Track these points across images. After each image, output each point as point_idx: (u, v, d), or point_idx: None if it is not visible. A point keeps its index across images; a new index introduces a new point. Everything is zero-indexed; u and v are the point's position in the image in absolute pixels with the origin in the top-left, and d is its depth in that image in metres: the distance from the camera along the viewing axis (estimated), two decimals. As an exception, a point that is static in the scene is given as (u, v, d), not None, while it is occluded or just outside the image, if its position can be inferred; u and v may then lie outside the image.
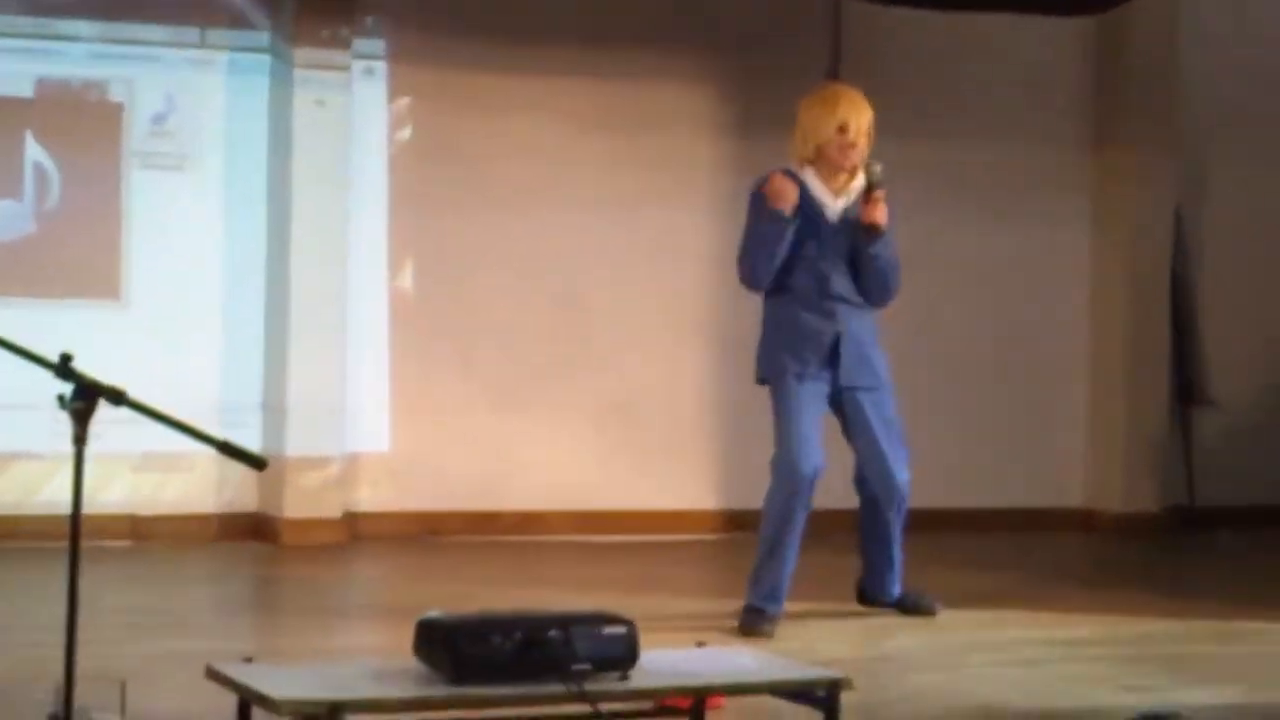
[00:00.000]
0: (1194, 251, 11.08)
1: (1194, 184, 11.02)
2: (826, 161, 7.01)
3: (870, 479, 7.15)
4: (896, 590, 7.33)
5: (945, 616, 7.27)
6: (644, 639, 4.58)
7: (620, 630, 4.53)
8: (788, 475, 6.91)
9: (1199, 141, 10.96)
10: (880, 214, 6.97)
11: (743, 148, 9.87)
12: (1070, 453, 10.88)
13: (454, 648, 4.40)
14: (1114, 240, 10.86)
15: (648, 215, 10.09)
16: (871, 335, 7.14)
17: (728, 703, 4.97)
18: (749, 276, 7.07)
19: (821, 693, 4.70)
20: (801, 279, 7.01)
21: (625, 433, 10.01)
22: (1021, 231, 10.73)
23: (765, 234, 6.95)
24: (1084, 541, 10.45)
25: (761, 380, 7.15)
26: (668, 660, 4.79)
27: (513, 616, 4.59)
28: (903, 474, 7.13)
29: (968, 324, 10.60)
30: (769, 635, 6.74)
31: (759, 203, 7.00)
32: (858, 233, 6.99)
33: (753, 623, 6.82)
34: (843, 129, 6.97)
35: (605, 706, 4.45)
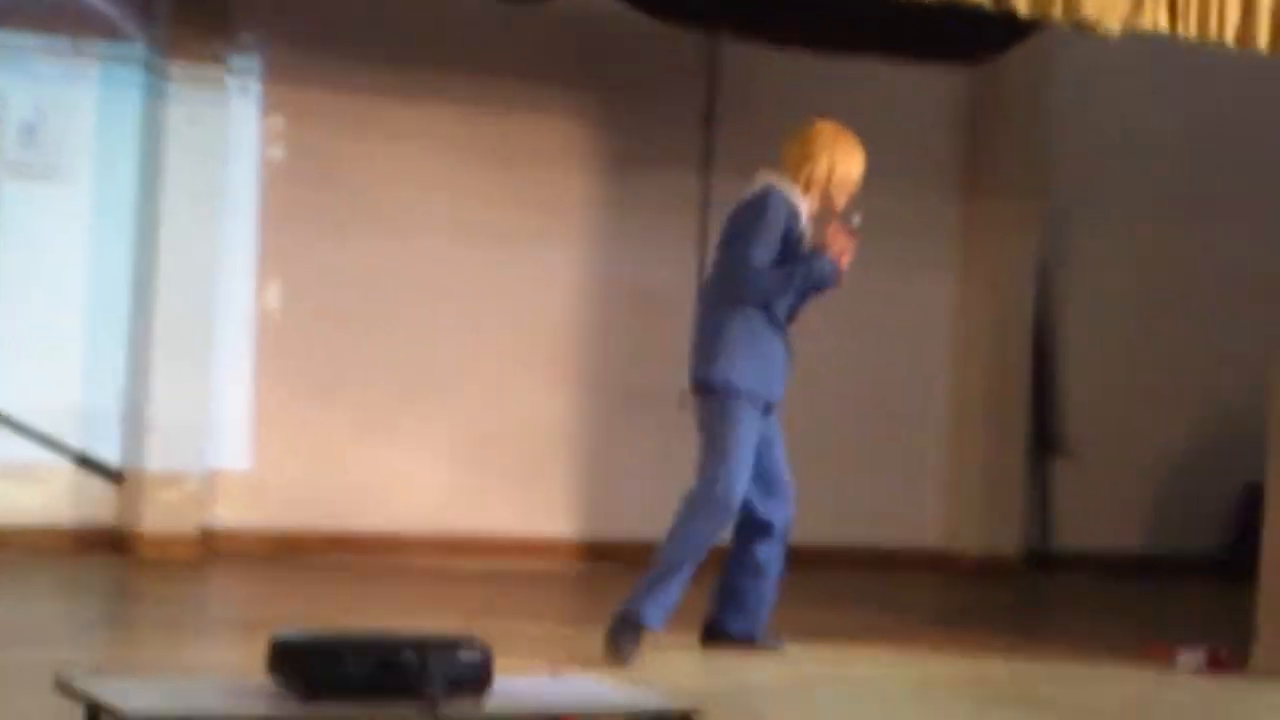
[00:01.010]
0: (1058, 302, 11.23)
1: (1060, 236, 11.17)
2: (825, 200, 7.13)
3: (774, 494, 7.05)
4: (757, 625, 7.14)
5: (799, 652, 7.24)
6: (499, 664, 4.59)
7: (475, 655, 4.55)
8: (723, 504, 6.83)
9: (1067, 193, 11.10)
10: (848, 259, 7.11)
11: (616, 185, 9.91)
12: (929, 495, 10.97)
13: (307, 667, 4.40)
14: (978, 288, 10.98)
15: (518, 246, 10.08)
16: None
17: (581, 730, 4.98)
18: (762, 300, 6.95)
19: (675, 721, 4.73)
20: (782, 303, 7.04)
21: (487, 460, 10.00)
22: (887, 277, 10.77)
23: (797, 285, 6.97)
24: (940, 582, 10.54)
25: (711, 388, 6.95)
26: (522, 686, 4.81)
27: (367, 638, 4.59)
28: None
29: (830, 365, 10.61)
30: (630, 654, 6.65)
31: (801, 250, 6.98)
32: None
33: (621, 636, 6.68)
34: (857, 183, 7.18)
35: (458, 730, 4.46)
